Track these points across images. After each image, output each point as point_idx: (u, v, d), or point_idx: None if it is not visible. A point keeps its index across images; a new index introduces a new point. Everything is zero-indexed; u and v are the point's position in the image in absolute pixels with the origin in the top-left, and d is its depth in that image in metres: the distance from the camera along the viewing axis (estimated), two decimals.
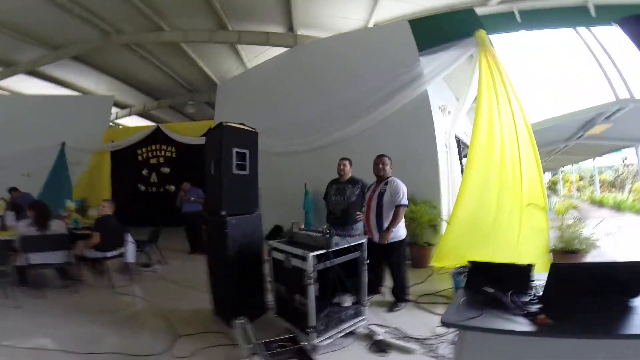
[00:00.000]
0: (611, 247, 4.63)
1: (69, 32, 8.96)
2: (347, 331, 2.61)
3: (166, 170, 9.73)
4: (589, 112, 8.45)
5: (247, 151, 3.05)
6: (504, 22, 6.54)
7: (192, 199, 6.14)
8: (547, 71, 10.66)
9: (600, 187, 18.10)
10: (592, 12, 5.81)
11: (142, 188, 9.78)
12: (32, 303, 3.48)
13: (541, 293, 1.57)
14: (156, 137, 9.79)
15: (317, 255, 2.39)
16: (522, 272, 1.74)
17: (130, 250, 4.33)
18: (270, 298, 3.08)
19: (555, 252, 4.24)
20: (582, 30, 6.94)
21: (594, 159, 16.77)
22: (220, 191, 2.88)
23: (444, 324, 1.49)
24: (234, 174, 2.93)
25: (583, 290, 1.47)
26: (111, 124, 12.87)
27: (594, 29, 6.74)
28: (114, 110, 13.61)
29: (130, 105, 14.79)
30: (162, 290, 4.04)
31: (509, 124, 4.55)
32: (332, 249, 2.47)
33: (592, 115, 8.74)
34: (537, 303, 1.52)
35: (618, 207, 12.14)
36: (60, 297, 3.69)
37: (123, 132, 10.65)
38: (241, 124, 3.12)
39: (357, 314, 2.70)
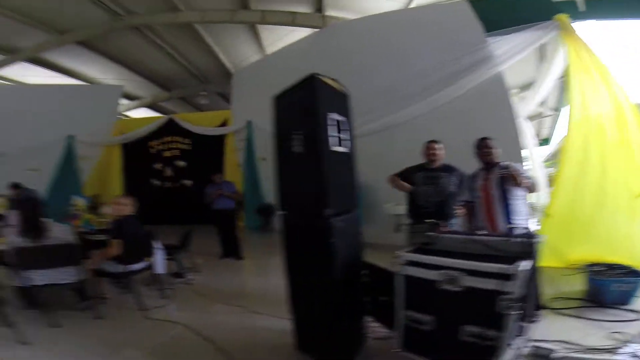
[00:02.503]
0: None
1: (76, 14, 8.22)
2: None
3: (182, 163, 9.05)
4: None
5: (345, 119, 2.20)
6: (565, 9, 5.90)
7: (227, 194, 5.29)
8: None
9: None
10: None
11: (157, 183, 9.12)
12: (42, 336, 2.63)
13: None
14: (169, 128, 9.08)
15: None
16: None
17: (159, 260, 3.51)
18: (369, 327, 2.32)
19: None
20: None
21: None
22: (319, 178, 1.96)
23: None
24: (332, 151, 2.04)
25: None
26: (120, 115, 12.10)
27: None
28: (122, 102, 12.87)
29: (140, 97, 14.04)
30: (205, 311, 3.24)
31: (614, 106, 3.95)
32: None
33: None
34: None
35: None
36: (80, 325, 2.86)
37: (134, 123, 9.92)
38: (332, 79, 2.23)
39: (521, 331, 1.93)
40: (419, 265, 1.88)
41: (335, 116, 2.08)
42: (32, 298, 3.00)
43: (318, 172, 1.98)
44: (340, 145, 2.10)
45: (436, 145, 3.03)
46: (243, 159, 7.90)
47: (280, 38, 9.70)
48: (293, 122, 2.18)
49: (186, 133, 8.99)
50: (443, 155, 3.04)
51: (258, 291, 3.91)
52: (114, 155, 9.20)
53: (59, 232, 3.11)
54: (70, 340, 2.58)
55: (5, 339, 2.50)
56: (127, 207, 3.43)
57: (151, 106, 14.99)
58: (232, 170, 8.19)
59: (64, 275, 2.94)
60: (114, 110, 9.97)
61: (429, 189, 2.93)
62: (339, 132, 2.09)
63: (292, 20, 8.12)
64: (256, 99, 8.21)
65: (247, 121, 7.98)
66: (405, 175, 3.10)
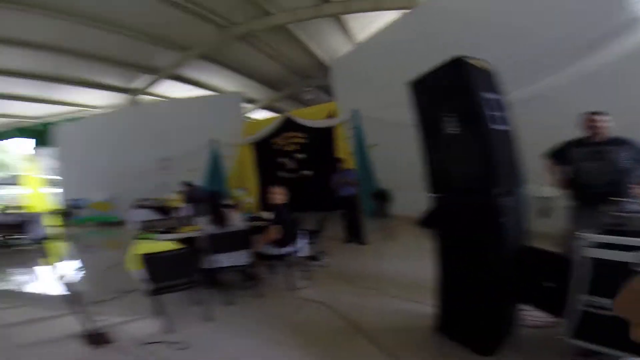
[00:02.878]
0: None
1: (190, 31, 9.76)
2: None
3: (301, 156, 9.94)
4: None
5: (499, 97, 2.19)
6: None
7: (350, 181, 5.58)
8: None
9: None
10: None
11: (282, 175, 10.22)
12: (223, 313, 3.08)
13: None
14: (288, 125, 10.02)
15: None
16: None
17: (303, 244, 3.96)
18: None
19: None
20: None
21: None
22: (484, 157, 1.99)
23: None
24: (493, 129, 2.03)
25: None
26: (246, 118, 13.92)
27: None
28: (245, 106, 14.80)
29: (257, 100, 15.88)
30: (341, 292, 3.51)
31: None
32: None
33: None
34: None
35: None
36: (248, 303, 3.32)
37: (259, 124, 11.31)
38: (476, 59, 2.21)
39: None
40: (610, 247, 1.75)
41: (490, 95, 2.05)
42: (213, 279, 3.49)
43: (482, 150, 1.99)
44: (499, 123, 2.06)
45: (598, 117, 2.64)
46: (353, 147, 8.15)
47: (368, 24, 9.66)
48: (441, 105, 2.20)
49: (301, 128, 9.75)
50: (609, 127, 2.62)
51: (386, 274, 4.00)
52: (247, 153, 10.63)
53: (236, 220, 3.69)
54: (242, 316, 3.02)
55: (196, 316, 3.00)
56: (281, 196, 3.86)
57: (267, 107, 16.79)
58: (346, 159, 8.72)
59: (241, 258, 3.43)
60: (241, 114, 11.58)
61: (594, 165, 2.57)
62: (495, 111, 2.06)
63: (375, 4, 7.90)
64: (358, 88, 8.40)
65: (353, 110, 8.20)
66: (561, 152, 2.80)
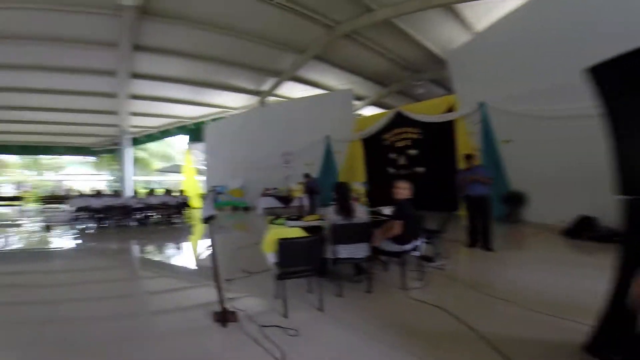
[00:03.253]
0: None
1: (304, 34, 10.36)
2: None
3: (413, 152, 9.63)
4: None
5: None
6: None
7: (481, 179, 4.81)
8: None
9: None
10: None
11: (391, 171, 10.17)
12: (330, 303, 3.00)
13: None
14: (399, 121, 9.85)
15: None
16: None
17: (422, 243, 3.65)
18: None
19: None
20: None
21: None
22: None
23: None
24: None
25: None
26: (356, 114, 14.29)
27: None
28: (354, 102, 15.15)
29: (365, 96, 16.02)
30: (461, 299, 3.16)
31: None
32: None
33: None
34: None
35: None
36: (355, 297, 3.21)
37: (368, 120, 11.45)
38: None
39: None
40: None
41: None
42: (326, 268, 3.39)
43: None
44: None
45: None
46: (481, 143, 7.41)
47: (487, 12, 8.65)
48: None
49: (414, 123, 9.43)
50: None
51: (513, 283, 3.54)
52: (357, 148, 10.94)
53: (360, 213, 3.56)
54: (351, 311, 2.89)
55: (307, 303, 3.01)
56: (405, 190, 3.65)
57: (375, 103, 16.78)
58: (475, 155, 8.07)
59: (360, 250, 3.31)
60: (350, 111, 11.93)
61: None
62: None
63: None
64: (481, 79, 7.55)
65: (479, 103, 7.43)
66: None
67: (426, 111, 9.27)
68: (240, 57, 11.71)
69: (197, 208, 11.44)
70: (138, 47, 10.18)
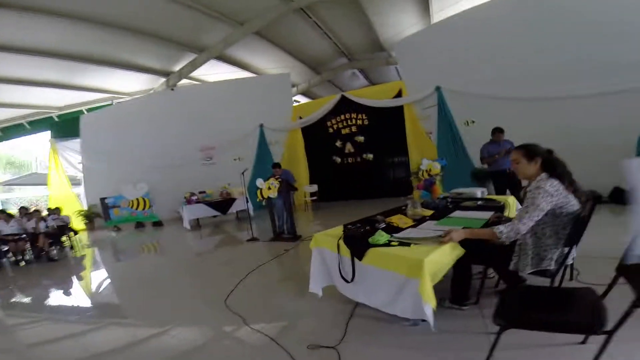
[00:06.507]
0: None
1: (252, 3, 8.58)
2: None
3: (360, 139, 9.02)
4: None
5: None
6: None
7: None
8: None
9: None
10: None
11: (337, 160, 9.43)
12: None
13: None
14: (344, 106, 8.99)
15: None
16: None
17: None
18: None
19: None
20: None
21: None
22: None
23: None
24: None
25: None
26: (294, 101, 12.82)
27: None
28: None
29: (296, 84, 14.67)
30: None
31: None
32: None
33: None
34: None
35: None
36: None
37: (309, 107, 10.25)
38: None
39: None
40: None
41: None
42: None
43: None
44: None
45: None
46: (436, 126, 7.23)
47: (451, 5, 8.75)
48: None
49: (359, 108, 8.80)
50: None
51: None
52: (297, 138, 9.73)
53: None
54: None
55: None
56: None
57: (305, 93, 15.59)
58: (420, 139, 7.87)
59: None
60: (290, 97, 10.53)
61: None
62: None
63: None
64: (440, 65, 7.29)
65: (436, 86, 7.18)
66: None
67: (374, 96, 8.64)
68: (151, 23, 8.70)
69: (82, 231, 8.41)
70: None
